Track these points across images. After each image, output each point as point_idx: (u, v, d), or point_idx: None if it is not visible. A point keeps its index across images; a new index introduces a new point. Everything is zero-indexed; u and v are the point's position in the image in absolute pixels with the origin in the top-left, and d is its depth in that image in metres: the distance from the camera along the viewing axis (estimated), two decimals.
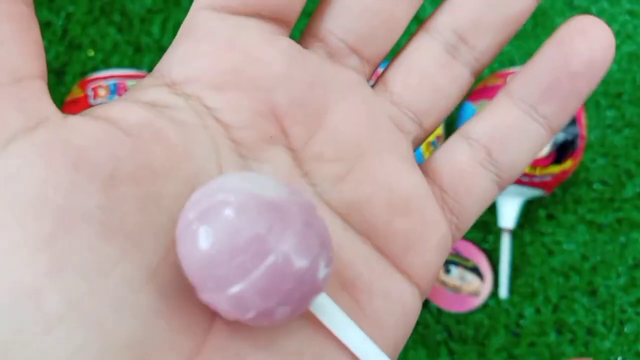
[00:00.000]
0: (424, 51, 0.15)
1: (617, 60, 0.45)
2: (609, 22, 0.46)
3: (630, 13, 0.46)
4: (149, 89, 0.13)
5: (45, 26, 0.44)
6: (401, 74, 0.15)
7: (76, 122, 0.11)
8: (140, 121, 0.12)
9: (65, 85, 0.42)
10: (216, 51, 0.13)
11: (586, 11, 0.46)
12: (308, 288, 0.11)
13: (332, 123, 0.14)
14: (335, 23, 0.14)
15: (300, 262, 0.11)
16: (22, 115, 0.11)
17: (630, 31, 0.46)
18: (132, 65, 0.43)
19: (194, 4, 0.13)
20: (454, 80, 0.15)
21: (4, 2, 0.11)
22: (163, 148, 0.12)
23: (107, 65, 0.43)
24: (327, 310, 0.12)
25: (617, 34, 0.46)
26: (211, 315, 0.12)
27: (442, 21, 0.15)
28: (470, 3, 0.14)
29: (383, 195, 0.14)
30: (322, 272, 0.11)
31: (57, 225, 0.10)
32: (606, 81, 0.45)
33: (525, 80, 0.14)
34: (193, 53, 0.13)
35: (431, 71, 0.15)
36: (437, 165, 0.15)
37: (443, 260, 0.15)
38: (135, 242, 0.11)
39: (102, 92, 0.35)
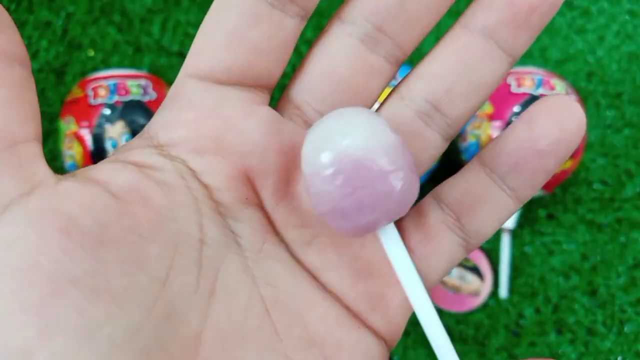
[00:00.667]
0: (397, 119, 0.15)
1: (617, 60, 0.45)
2: (609, 22, 0.46)
3: (630, 13, 0.46)
4: (138, 150, 0.14)
5: (45, 26, 0.44)
6: None
7: (67, 187, 0.12)
8: (127, 184, 0.13)
9: (65, 85, 0.42)
10: (198, 119, 0.14)
11: (586, 11, 0.46)
12: (384, 202, 0.13)
13: (297, 192, 0.15)
14: (311, 94, 0.15)
15: (394, 180, 0.13)
16: (17, 182, 0.12)
17: (630, 31, 0.46)
18: (132, 65, 0.43)
19: (181, 71, 0.14)
20: (425, 148, 0.15)
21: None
22: (148, 210, 0.13)
23: (107, 65, 0.43)
24: (391, 239, 0.14)
25: (617, 34, 0.46)
26: None
27: (415, 89, 0.15)
28: (442, 72, 0.15)
29: (346, 262, 0.15)
30: (403, 194, 0.13)
31: (47, 291, 0.11)
32: (606, 81, 0.45)
33: (496, 151, 0.15)
34: (177, 119, 0.14)
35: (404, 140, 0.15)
36: (408, 224, 0.16)
37: (407, 317, 0.15)
38: (119, 303, 0.11)
39: (102, 92, 0.35)
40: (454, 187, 0.16)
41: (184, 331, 0.12)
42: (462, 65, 0.15)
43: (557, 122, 0.14)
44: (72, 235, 0.11)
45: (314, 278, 0.15)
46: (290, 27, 0.14)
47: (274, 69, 0.14)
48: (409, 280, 0.14)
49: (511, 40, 0.14)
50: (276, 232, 0.15)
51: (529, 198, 0.15)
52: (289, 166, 0.15)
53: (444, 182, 0.16)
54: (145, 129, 0.14)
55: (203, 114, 0.14)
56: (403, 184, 0.13)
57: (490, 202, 0.15)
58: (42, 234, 0.11)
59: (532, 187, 0.15)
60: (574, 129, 0.14)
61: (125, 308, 0.11)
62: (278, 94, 0.39)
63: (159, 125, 0.14)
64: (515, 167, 0.15)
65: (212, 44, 0.14)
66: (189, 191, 0.13)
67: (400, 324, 0.15)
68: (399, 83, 0.15)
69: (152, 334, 0.12)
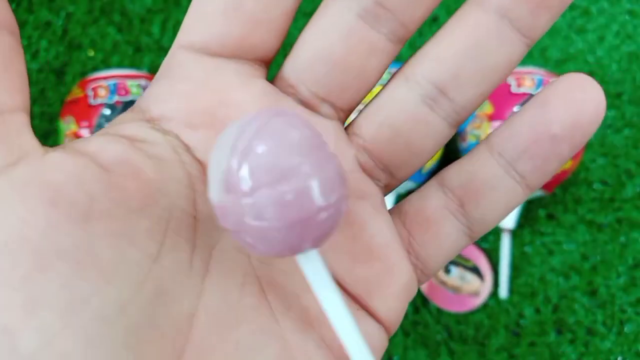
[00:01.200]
0: (400, 103, 0.14)
1: (617, 60, 0.45)
2: (609, 22, 0.46)
3: (630, 13, 0.46)
4: (130, 123, 0.13)
5: (45, 26, 0.44)
6: (374, 124, 0.14)
7: (55, 158, 0.12)
8: (117, 157, 0.12)
9: (65, 85, 0.42)
10: (192, 92, 0.13)
11: (586, 11, 0.46)
12: (311, 230, 0.11)
13: None
14: (306, 74, 0.14)
15: (319, 201, 0.11)
16: (3, 151, 0.11)
17: (630, 31, 0.46)
18: (132, 65, 0.43)
19: (174, 42, 0.14)
20: (429, 135, 0.14)
21: None
22: (138, 184, 0.12)
23: (107, 65, 0.43)
24: (313, 265, 0.12)
25: (617, 34, 0.46)
26: (180, 347, 0.12)
27: (421, 71, 0.14)
28: (450, 53, 0.14)
29: (346, 243, 0.14)
30: (328, 219, 0.11)
31: (33, 265, 0.10)
32: (606, 81, 0.45)
33: (506, 134, 0.14)
34: (170, 92, 0.13)
35: (405, 127, 0.14)
36: (409, 210, 0.15)
37: (407, 303, 0.15)
38: (107, 277, 0.11)
39: (102, 92, 0.35)
40: (458, 171, 0.15)
41: (176, 310, 0.12)
42: (472, 46, 0.13)
43: (573, 105, 0.13)
44: (59, 207, 0.11)
45: None
46: None
47: (271, 42, 0.14)
48: (335, 310, 0.12)
49: (529, 21, 0.13)
50: None
51: (540, 186, 0.14)
52: None
53: (448, 166, 0.15)
54: (137, 102, 0.14)
55: (197, 86, 0.13)
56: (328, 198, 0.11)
57: (496, 188, 0.14)
58: (28, 205, 0.11)
59: (543, 175, 0.14)
60: (592, 112, 0.13)
61: (113, 283, 0.11)
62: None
63: (152, 98, 0.14)
64: (525, 153, 0.14)
65: (207, 15, 0.13)
66: (182, 166, 0.13)
67: (399, 309, 0.15)
68: (405, 63, 0.14)
69: (143, 311, 0.11)
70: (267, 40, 0.14)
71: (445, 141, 0.15)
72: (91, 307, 0.11)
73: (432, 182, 0.15)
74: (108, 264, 0.11)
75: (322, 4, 0.14)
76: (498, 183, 0.14)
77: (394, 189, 0.15)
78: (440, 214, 0.15)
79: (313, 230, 0.11)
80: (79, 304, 0.11)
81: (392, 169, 0.15)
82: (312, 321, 0.14)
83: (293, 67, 0.14)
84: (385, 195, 0.15)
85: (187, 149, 0.13)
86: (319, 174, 0.11)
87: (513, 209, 0.15)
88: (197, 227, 0.13)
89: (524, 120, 0.14)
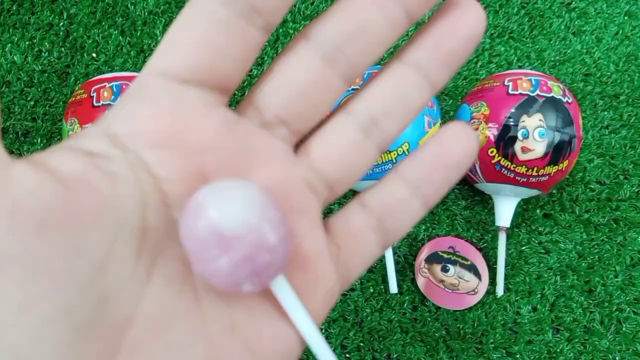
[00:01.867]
0: (344, 129, 0.17)
1: (615, 61, 0.46)
2: (607, 23, 0.47)
3: (628, 14, 0.47)
4: (92, 138, 0.14)
5: (47, 27, 0.44)
6: (322, 146, 0.17)
7: (18, 171, 0.13)
8: (75, 172, 0.13)
9: (69, 87, 0.43)
10: (156, 114, 0.15)
11: (584, 13, 0.47)
12: (274, 265, 0.14)
13: None
14: (273, 100, 0.16)
15: (273, 241, 0.14)
16: None
17: (628, 32, 0.46)
18: (135, 67, 0.43)
19: (145, 67, 0.15)
20: (364, 157, 0.17)
21: None
22: (92, 199, 0.13)
23: (110, 67, 0.43)
24: (283, 291, 0.15)
25: (615, 35, 0.46)
26: (116, 346, 0.13)
27: (359, 107, 0.17)
28: (382, 95, 0.17)
29: None
30: (283, 254, 0.14)
31: None
32: (604, 82, 0.45)
33: (412, 165, 0.18)
34: (136, 113, 0.15)
35: (347, 149, 0.17)
36: (337, 227, 0.18)
37: (329, 308, 0.17)
38: (57, 283, 0.12)
39: (105, 93, 0.35)
40: (376, 194, 0.18)
41: (115, 314, 0.13)
42: (398, 91, 0.17)
43: (459, 144, 0.17)
44: (15, 217, 0.12)
45: None
46: (254, 37, 0.15)
47: (235, 74, 0.15)
48: (306, 327, 0.15)
49: (435, 75, 0.17)
50: None
51: (435, 204, 0.18)
52: (243, 166, 0.16)
53: (366, 189, 0.18)
54: (103, 117, 0.15)
55: (162, 110, 0.15)
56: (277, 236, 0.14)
57: (405, 207, 0.18)
58: None
59: (438, 195, 0.18)
60: (469, 149, 0.17)
61: (61, 288, 0.12)
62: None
63: (118, 116, 0.15)
64: (427, 178, 0.17)
65: (179, 45, 0.15)
66: (136, 183, 0.14)
67: (323, 313, 0.17)
68: (345, 101, 0.17)
69: (85, 314, 0.12)
70: (232, 72, 0.15)
71: (373, 164, 0.18)
72: (40, 308, 0.12)
73: (354, 203, 0.18)
74: (58, 272, 0.12)
75: (291, 43, 0.16)
76: (407, 203, 0.18)
77: (330, 203, 0.18)
78: (363, 230, 0.18)
79: (265, 270, 0.14)
80: (29, 304, 0.12)
81: (333, 184, 0.17)
82: (239, 327, 0.15)
83: (262, 92, 0.16)
84: (322, 209, 0.17)
85: (145, 166, 0.14)
86: (263, 229, 0.14)
87: (415, 224, 0.18)
88: (144, 239, 0.14)
89: (426, 154, 0.17)
